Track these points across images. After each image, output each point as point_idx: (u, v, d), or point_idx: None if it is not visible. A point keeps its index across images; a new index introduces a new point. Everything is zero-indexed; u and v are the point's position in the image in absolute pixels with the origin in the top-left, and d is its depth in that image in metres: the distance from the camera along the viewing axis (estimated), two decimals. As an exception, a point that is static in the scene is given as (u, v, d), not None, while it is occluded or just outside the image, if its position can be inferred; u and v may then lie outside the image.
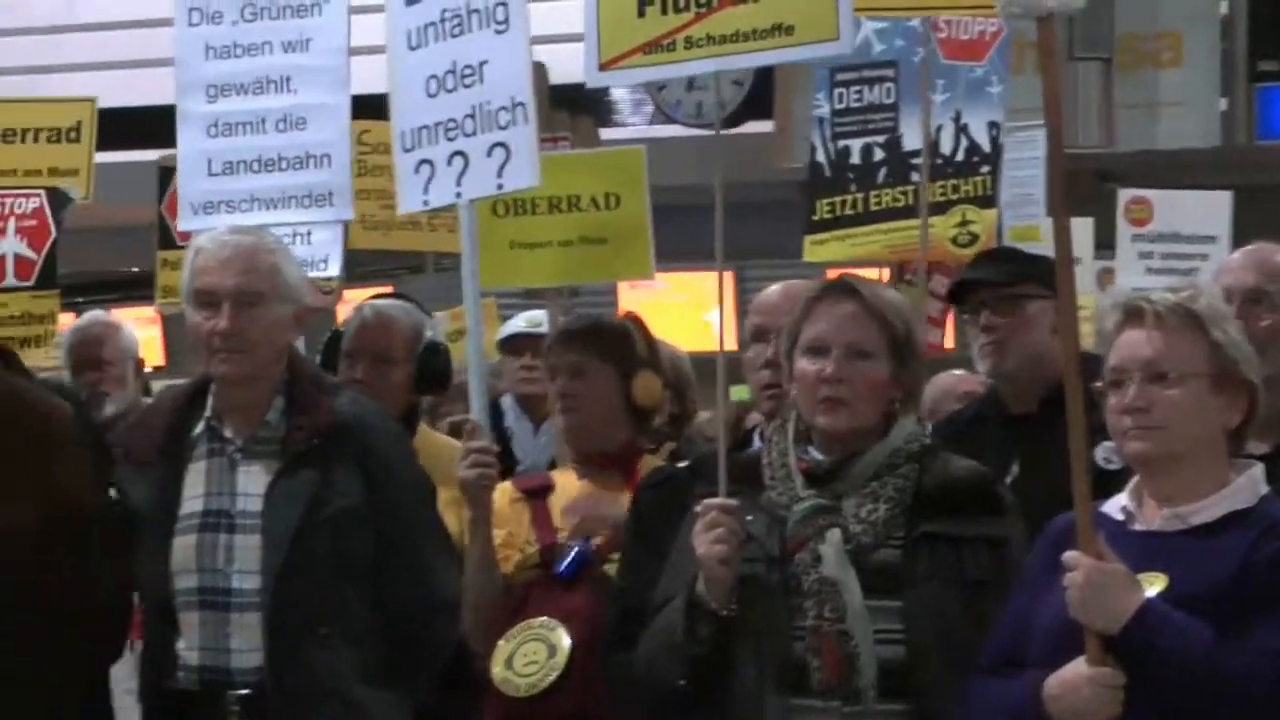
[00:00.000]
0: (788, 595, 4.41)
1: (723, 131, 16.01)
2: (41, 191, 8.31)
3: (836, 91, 8.18)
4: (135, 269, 15.88)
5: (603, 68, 5.48)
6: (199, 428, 5.12)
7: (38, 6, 18.74)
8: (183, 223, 7.25)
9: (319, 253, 6.90)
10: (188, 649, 4.97)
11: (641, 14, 5.37)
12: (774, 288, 5.48)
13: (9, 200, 8.35)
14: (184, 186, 7.23)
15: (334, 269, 7.10)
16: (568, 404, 5.74)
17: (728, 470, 4.61)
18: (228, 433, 5.10)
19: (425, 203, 6.15)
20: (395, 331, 6.48)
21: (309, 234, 6.87)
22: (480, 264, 6.17)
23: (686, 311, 14.40)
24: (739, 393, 8.63)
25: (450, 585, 5.21)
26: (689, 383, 7.45)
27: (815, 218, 8.11)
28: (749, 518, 4.47)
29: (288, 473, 5.01)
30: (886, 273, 8.28)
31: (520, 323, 8.69)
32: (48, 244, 8.29)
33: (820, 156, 8.13)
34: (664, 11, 5.32)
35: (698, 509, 4.48)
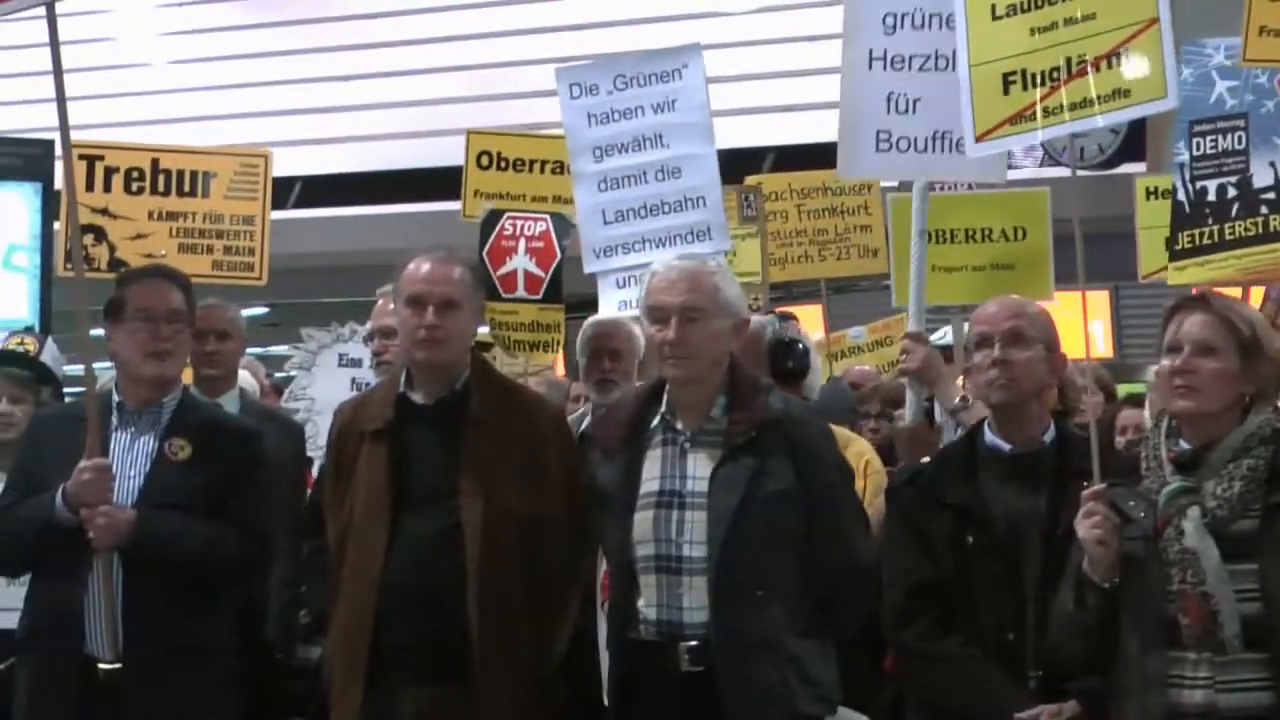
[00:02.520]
0: (1160, 565, 4.38)
1: (1101, 172, 15.82)
2: (547, 216, 8.42)
3: (1194, 140, 8.03)
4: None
5: (978, 140, 5.65)
6: (655, 421, 5.16)
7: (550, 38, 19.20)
8: (587, 266, 7.34)
9: None
10: (647, 606, 5.01)
11: (1006, 92, 5.56)
12: (991, 301, 5.44)
13: (520, 223, 8.46)
14: (585, 235, 7.33)
15: None
16: None
17: (1115, 465, 4.67)
18: (679, 425, 5.12)
19: None
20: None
21: None
22: (898, 283, 6.18)
23: (1070, 323, 14.14)
24: (1125, 389, 8.51)
25: (868, 554, 5.16)
26: (1070, 383, 7.34)
27: (1178, 247, 7.95)
28: (1131, 503, 4.47)
29: (729, 460, 5.02)
30: (1240, 291, 8.07)
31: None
32: (554, 263, 8.37)
33: (1181, 196, 7.96)
34: (1024, 88, 5.52)
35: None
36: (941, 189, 7.80)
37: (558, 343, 8.31)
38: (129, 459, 5.41)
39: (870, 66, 6.01)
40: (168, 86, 21.24)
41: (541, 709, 5.16)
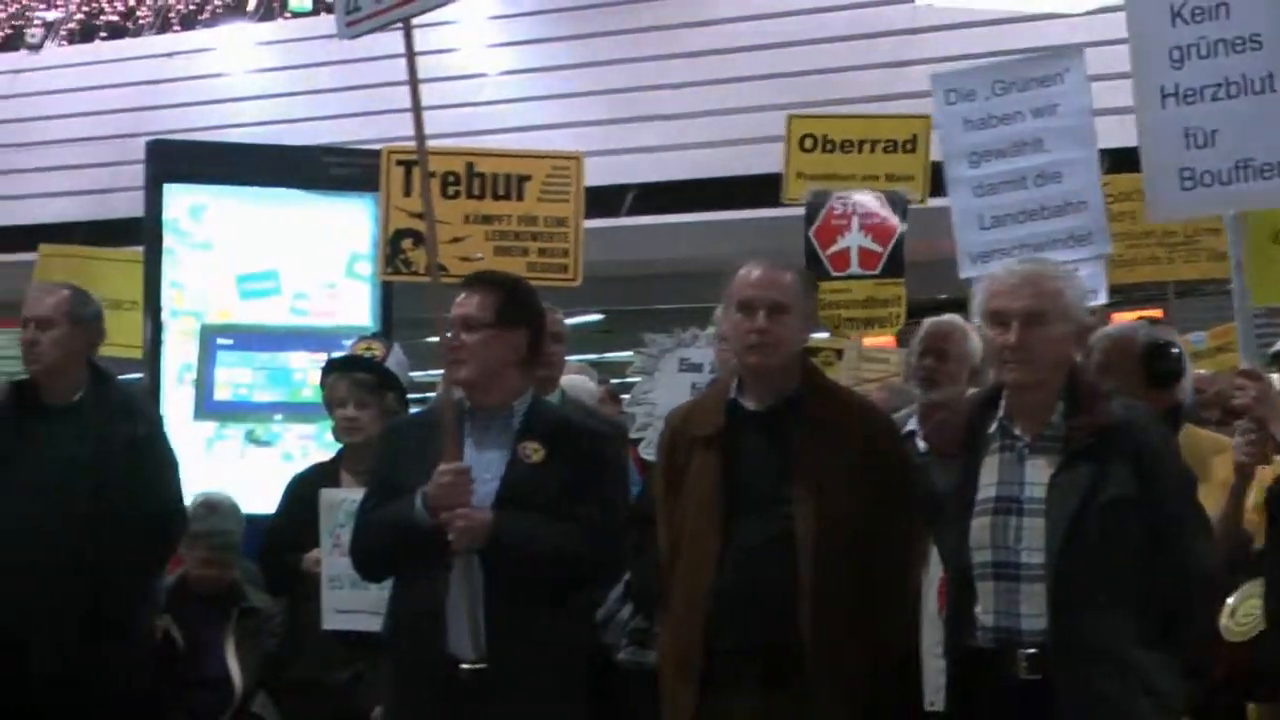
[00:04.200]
0: None
1: None
2: (881, 193, 8.38)
3: None
4: (943, 295, 15.99)
5: None
6: (993, 426, 5.12)
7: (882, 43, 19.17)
8: (963, 270, 7.34)
9: (1087, 285, 6.88)
10: (984, 613, 4.97)
11: None
12: None
13: (851, 201, 8.47)
14: (961, 240, 7.33)
15: (1102, 297, 7.07)
16: None
17: None
18: (1017, 431, 5.08)
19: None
20: None
21: (1075, 269, 6.83)
22: (1258, 283, 6.05)
23: None
24: None
25: (1209, 564, 5.05)
26: None
27: None
28: None
29: (1068, 466, 4.95)
30: None
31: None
32: (893, 239, 8.35)
33: None
34: None
35: None
36: None
37: (897, 317, 8.29)
38: (483, 462, 5.52)
39: (1163, 105, 5.91)
40: (500, 97, 21.63)
41: (873, 717, 5.17)
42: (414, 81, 5.85)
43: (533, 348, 5.67)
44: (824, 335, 8.64)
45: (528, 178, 8.31)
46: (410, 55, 5.86)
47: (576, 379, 7.91)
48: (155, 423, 6.88)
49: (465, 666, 5.34)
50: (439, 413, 5.62)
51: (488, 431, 5.59)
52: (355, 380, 6.93)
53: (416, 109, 5.87)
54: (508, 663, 5.33)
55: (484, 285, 5.69)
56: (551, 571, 5.42)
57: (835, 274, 8.36)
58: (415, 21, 5.87)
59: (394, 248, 8.28)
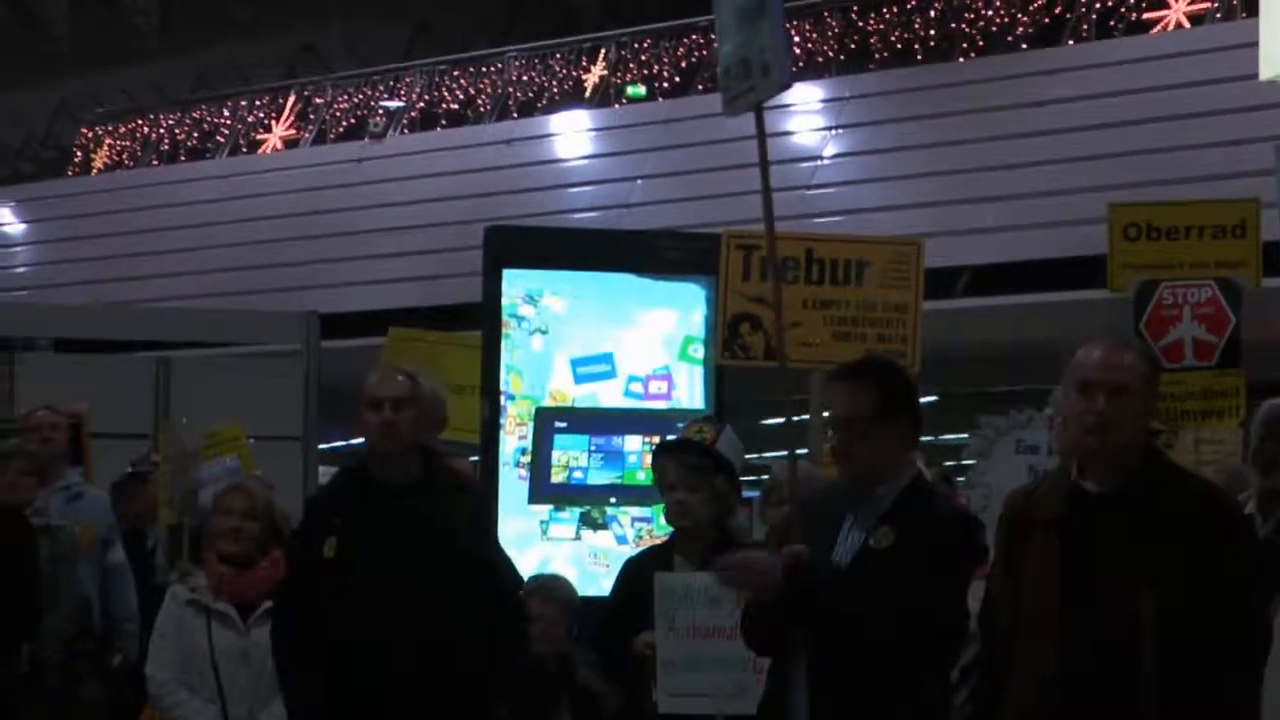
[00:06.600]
0: None
1: None
2: (1212, 282, 8.23)
3: None
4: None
5: None
6: None
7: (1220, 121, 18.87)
8: None
9: None
10: None
11: None
12: None
13: (1180, 291, 8.31)
14: None
15: None
16: None
17: None
18: None
19: None
20: None
21: None
22: None
23: None
24: None
25: None
26: None
27: None
28: None
29: None
30: None
31: None
32: (1227, 329, 8.19)
33: None
34: None
35: None
36: None
37: (1237, 408, 8.10)
38: (846, 545, 5.54)
39: None
40: (834, 180, 21.70)
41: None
42: (764, 164, 5.83)
43: (911, 430, 5.67)
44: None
45: (868, 263, 8.33)
46: (761, 136, 5.86)
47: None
48: (484, 498, 7.05)
49: None
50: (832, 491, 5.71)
51: (861, 512, 5.60)
52: (684, 463, 6.96)
53: (766, 191, 5.82)
54: None
55: (857, 379, 5.68)
56: (887, 657, 5.38)
57: (1170, 366, 8.21)
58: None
59: (731, 332, 8.34)
